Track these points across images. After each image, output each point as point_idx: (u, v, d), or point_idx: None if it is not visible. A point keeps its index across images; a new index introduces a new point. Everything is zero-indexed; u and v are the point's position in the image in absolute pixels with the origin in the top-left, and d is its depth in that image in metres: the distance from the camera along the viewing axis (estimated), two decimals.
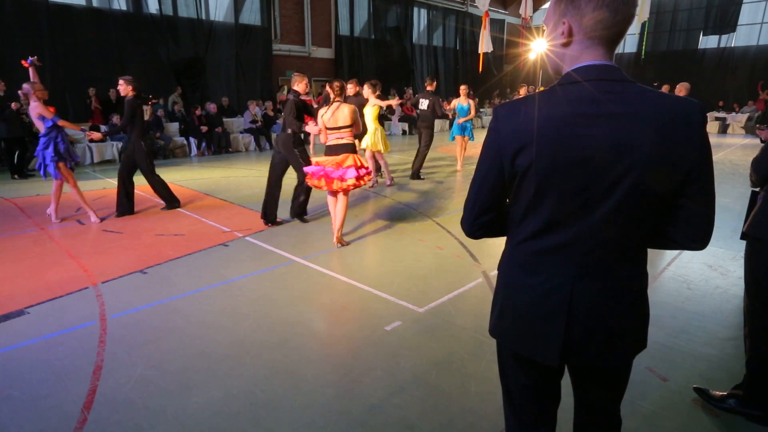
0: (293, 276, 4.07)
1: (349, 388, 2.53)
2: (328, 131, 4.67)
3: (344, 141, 4.66)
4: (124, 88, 5.67)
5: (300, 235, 5.24)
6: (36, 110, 5.19)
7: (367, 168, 4.72)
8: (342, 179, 4.55)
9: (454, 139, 9.32)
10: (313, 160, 4.81)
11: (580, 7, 1.10)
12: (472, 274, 4.09)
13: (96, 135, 6.02)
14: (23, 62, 5.48)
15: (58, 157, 5.27)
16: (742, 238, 2.30)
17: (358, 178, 4.57)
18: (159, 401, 2.41)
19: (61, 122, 5.32)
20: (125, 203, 5.98)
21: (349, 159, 4.60)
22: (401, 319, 3.27)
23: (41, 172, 5.37)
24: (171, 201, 6.27)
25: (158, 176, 6.09)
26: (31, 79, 5.44)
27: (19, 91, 5.23)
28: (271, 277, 4.03)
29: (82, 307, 3.44)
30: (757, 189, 2.29)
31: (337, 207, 4.76)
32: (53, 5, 10.41)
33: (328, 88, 6.31)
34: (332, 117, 4.61)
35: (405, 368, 2.70)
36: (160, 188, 6.16)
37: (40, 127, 5.26)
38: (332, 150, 4.67)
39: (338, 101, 4.67)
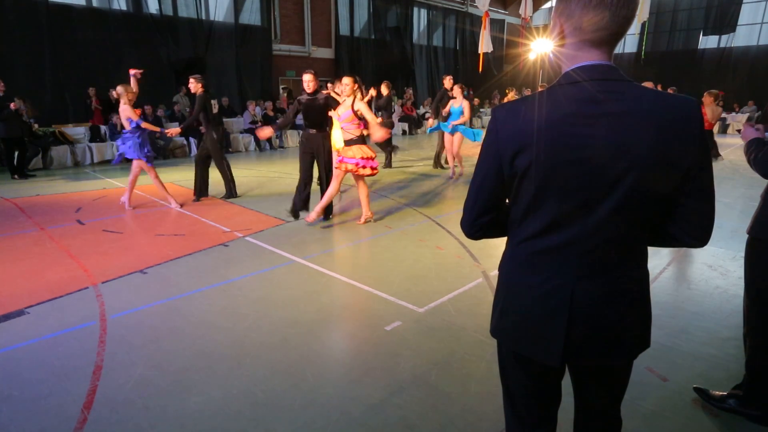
0: (293, 276, 4.07)
1: (349, 388, 2.53)
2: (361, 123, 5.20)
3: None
4: (195, 85, 6.30)
5: (300, 235, 5.24)
6: (125, 113, 5.90)
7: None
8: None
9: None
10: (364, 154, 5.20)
11: (570, 7, 1.11)
12: (472, 274, 4.09)
13: (174, 131, 6.59)
14: (130, 71, 6.13)
15: (141, 155, 6.01)
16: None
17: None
18: (159, 401, 2.41)
19: (144, 124, 6.04)
20: (202, 188, 6.79)
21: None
22: (401, 319, 3.27)
23: (115, 160, 6.44)
24: (230, 193, 6.88)
25: (227, 166, 6.79)
26: (131, 86, 6.06)
27: (113, 91, 6.05)
28: (271, 277, 4.03)
29: (82, 307, 3.44)
30: None
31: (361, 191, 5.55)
32: (53, 5, 10.41)
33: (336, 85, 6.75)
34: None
35: (405, 368, 2.70)
36: (226, 177, 6.79)
37: (126, 125, 5.97)
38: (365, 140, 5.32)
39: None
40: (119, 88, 5.95)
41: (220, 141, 6.68)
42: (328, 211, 5.76)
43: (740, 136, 2.33)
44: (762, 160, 2.11)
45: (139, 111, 6.14)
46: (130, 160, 6.12)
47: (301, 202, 5.72)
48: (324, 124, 5.53)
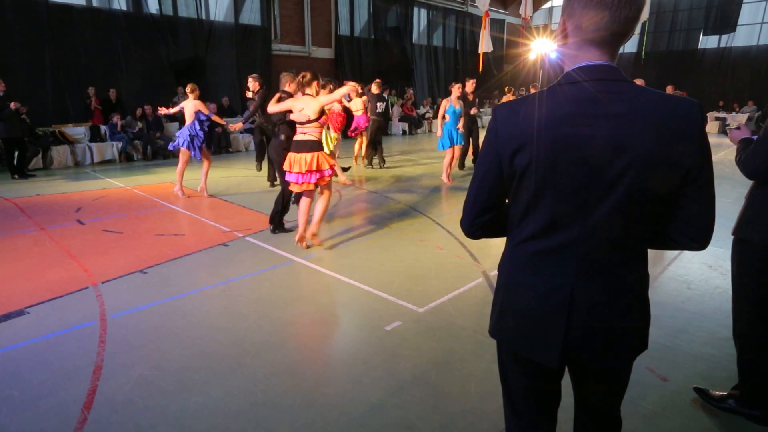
0: (293, 276, 4.07)
1: (349, 388, 2.53)
2: (296, 126, 4.51)
3: (308, 137, 4.45)
4: (253, 84, 6.96)
5: None
6: (198, 107, 6.53)
7: (325, 169, 4.52)
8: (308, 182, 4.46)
9: (443, 148, 7.81)
10: (289, 161, 4.53)
11: (572, 6, 1.11)
12: (472, 274, 4.09)
13: (237, 126, 7.26)
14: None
15: (206, 143, 6.77)
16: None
17: (318, 179, 4.48)
18: (159, 401, 2.41)
19: (214, 117, 6.74)
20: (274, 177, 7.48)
21: (312, 160, 4.41)
22: (401, 319, 3.27)
23: (191, 151, 6.77)
24: (275, 181, 7.43)
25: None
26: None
27: (186, 89, 6.67)
28: (271, 277, 4.03)
29: (82, 307, 3.44)
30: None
31: (314, 206, 4.69)
32: (53, 5, 10.40)
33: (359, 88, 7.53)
34: (298, 111, 4.43)
35: (405, 368, 2.70)
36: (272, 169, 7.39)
37: (190, 119, 6.57)
38: (297, 146, 4.47)
39: (308, 94, 4.45)
40: (191, 85, 6.63)
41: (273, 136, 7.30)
42: (278, 223, 5.27)
43: (729, 140, 2.32)
44: (745, 161, 2.10)
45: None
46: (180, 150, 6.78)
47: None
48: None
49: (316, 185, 4.60)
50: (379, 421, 2.28)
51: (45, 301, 3.53)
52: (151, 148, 10.89)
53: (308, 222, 4.73)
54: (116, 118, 10.52)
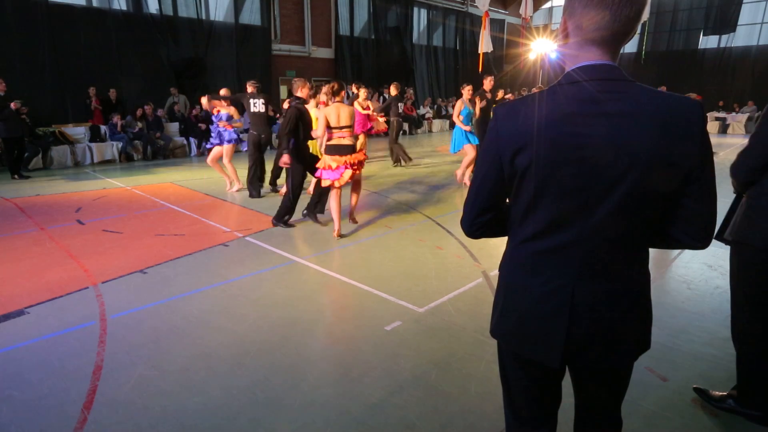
0: (293, 276, 4.07)
1: (349, 388, 2.53)
2: (333, 131, 4.88)
3: (347, 141, 4.91)
4: (251, 89, 7.18)
5: (300, 235, 5.24)
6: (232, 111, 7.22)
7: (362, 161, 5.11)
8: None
9: (461, 148, 7.61)
10: (326, 163, 4.93)
11: (573, 5, 1.11)
12: (472, 274, 4.09)
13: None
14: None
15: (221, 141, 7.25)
16: (717, 237, 2.26)
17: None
18: (159, 401, 2.41)
19: (221, 123, 7.22)
20: (272, 178, 7.53)
21: (356, 159, 4.98)
22: (401, 319, 3.27)
23: (207, 145, 7.76)
24: (250, 192, 7.20)
25: (257, 165, 7.28)
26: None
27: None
28: (271, 277, 4.03)
29: (82, 307, 3.44)
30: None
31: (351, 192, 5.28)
32: (53, 5, 10.40)
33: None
34: (336, 117, 4.81)
35: (405, 368, 2.70)
36: (248, 174, 7.21)
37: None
38: (337, 150, 4.89)
39: (338, 101, 4.90)
40: (221, 92, 7.29)
41: (256, 140, 7.14)
42: (320, 208, 5.75)
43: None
44: (733, 166, 2.15)
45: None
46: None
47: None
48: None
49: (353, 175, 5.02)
50: (379, 420, 2.28)
51: (45, 301, 3.53)
52: (151, 148, 10.89)
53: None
54: (116, 118, 10.52)
